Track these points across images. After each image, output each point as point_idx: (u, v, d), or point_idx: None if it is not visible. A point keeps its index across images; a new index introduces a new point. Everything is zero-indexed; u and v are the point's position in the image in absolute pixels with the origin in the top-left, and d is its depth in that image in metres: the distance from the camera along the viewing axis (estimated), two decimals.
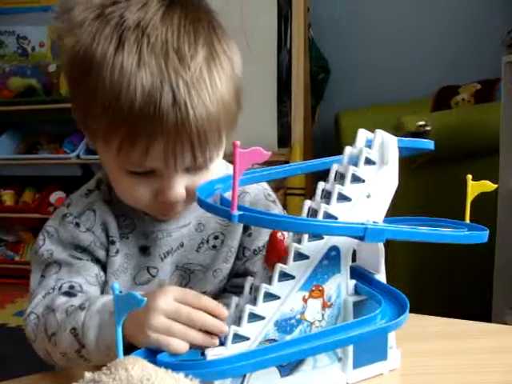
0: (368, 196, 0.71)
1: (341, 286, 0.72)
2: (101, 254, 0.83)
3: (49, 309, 0.77)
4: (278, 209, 0.91)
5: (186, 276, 0.88)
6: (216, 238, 0.87)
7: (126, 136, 0.70)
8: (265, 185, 0.91)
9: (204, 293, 0.88)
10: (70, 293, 0.79)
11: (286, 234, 0.68)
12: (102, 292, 0.84)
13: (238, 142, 0.59)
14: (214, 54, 0.73)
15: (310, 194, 0.74)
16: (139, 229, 0.84)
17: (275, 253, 0.68)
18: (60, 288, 0.80)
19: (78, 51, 0.73)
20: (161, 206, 0.78)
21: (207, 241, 0.87)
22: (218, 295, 0.90)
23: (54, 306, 0.76)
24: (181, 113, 0.69)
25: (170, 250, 0.86)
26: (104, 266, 0.84)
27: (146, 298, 0.52)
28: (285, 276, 0.68)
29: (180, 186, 0.75)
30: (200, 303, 0.67)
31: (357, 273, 0.75)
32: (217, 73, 0.72)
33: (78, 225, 0.82)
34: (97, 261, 0.84)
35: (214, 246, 0.88)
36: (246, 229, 0.89)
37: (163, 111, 0.68)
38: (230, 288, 0.92)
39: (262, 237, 0.88)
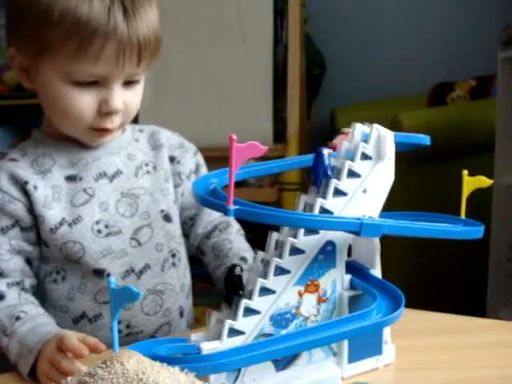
0: (364, 191, 0.71)
1: (336, 280, 0.72)
2: (12, 207, 0.87)
3: None
4: None
5: (133, 202, 0.93)
6: (147, 165, 0.96)
7: (84, 38, 0.80)
8: None
9: (165, 215, 0.95)
10: None
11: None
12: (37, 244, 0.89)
13: (235, 136, 0.58)
14: None
15: (306, 189, 0.74)
16: (61, 162, 0.91)
17: None
18: None
19: None
20: (100, 121, 0.87)
21: (141, 167, 0.95)
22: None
23: None
24: (130, 20, 0.82)
25: (102, 173, 0.92)
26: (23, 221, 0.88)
27: (142, 292, 0.55)
28: (280, 270, 0.68)
29: (119, 96, 0.86)
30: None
31: (352, 268, 0.75)
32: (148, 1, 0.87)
33: None
34: (12, 224, 0.87)
35: (149, 172, 0.96)
36: (172, 159, 0.99)
37: (116, 17, 0.81)
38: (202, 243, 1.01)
39: (188, 164, 1.00)
